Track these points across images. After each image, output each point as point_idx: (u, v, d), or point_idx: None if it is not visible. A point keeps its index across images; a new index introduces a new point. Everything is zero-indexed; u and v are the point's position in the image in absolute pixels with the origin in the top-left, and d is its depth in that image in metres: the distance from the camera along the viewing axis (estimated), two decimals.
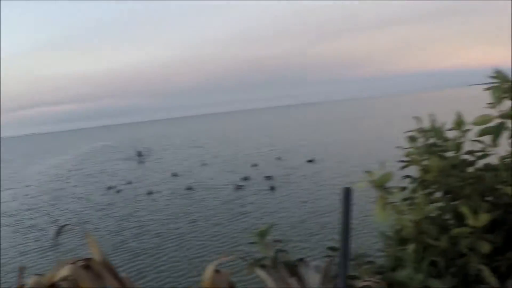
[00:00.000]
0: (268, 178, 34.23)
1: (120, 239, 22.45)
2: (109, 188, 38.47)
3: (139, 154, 58.85)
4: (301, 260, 2.10)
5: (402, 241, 2.07)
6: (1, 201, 39.53)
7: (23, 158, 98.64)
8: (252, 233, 2.20)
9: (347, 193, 1.65)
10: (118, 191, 36.57)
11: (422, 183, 2.04)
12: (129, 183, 40.53)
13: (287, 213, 23.69)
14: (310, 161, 40.72)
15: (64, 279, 1.21)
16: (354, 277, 2.18)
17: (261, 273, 1.96)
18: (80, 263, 1.25)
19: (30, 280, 1.22)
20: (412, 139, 2.17)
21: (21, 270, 1.44)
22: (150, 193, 34.12)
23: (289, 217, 22.84)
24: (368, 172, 1.96)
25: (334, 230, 19.79)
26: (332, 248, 2.22)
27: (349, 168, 34.79)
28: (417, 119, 2.33)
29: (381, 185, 1.93)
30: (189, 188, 33.88)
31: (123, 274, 1.36)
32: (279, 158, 45.26)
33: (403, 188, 2.02)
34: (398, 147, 2.26)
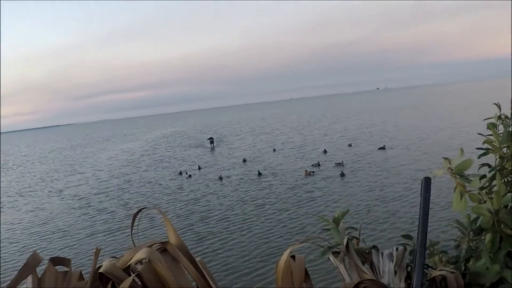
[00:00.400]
0: (339, 164, 33.93)
1: (189, 223, 22.89)
2: (180, 173, 39.12)
3: (211, 141, 58.84)
4: (374, 247, 2.08)
5: (479, 230, 2.01)
6: (73, 185, 40.93)
7: (95, 143, 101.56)
8: (325, 219, 2.19)
9: (427, 183, 1.62)
10: (189, 176, 37.10)
11: (501, 171, 1.97)
12: (200, 168, 41.10)
13: (357, 200, 23.43)
14: (381, 148, 40.00)
15: (140, 262, 1.23)
16: (428, 266, 2.14)
17: (334, 259, 1.95)
18: (156, 246, 1.26)
19: (105, 262, 1.24)
20: (492, 126, 2.09)
21: (97, 252, 1.46)
22: (220, 178, 34.46)
23: (359, 204, 22.58)
24: (446, 159, 1.90)
25: (403, 219, 19.55)
26: (407, 236, 2.19)
27: (421, 156, 34.06)
28: (497, 105, 2.25)
29: (460, 172, 1.87)
30: (259, 174, 33.96)
31: (198, 258, 1.37)
32: (350, 145, 44.70)
33: (482, 176, 1.95)
34: (479, 134, 2.18)
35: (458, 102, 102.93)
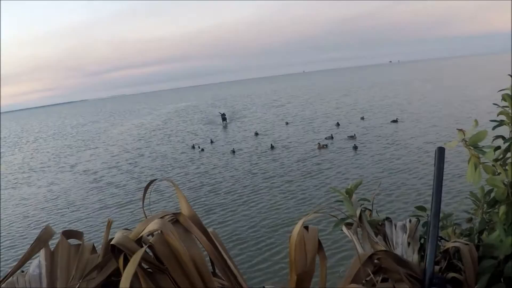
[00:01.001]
0: (351, 137, 33.88)
1: (201, 195, 23.11)
2: (193, 147, 39.28)
3: (223, 118, 56.44)
4: (387, 219, 2.07)
5: (493, 203, 2.00)
6: (85, 160, 41.30)
7: (108, 119, 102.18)
8: (338, 190, 2.18)
9: (441, 153, 1.62)
10: (202, 150, 37.25)
11: None
12: (212, 142, 41.24)
13: (369, 173, 23.43)
14: (394, 121, 39.72)
15: (152, 233, 1.22)
16: (441, 238, 2.13)
17: (347, 231, 1.94)
18: (168, 217, 1.26)
19: (117, 234, 1.23)
20: (508, 97, 2.05)
21: (109, 223, 1.46)
22: (233, 151, 34.64)
23: (372, 177, 22.58)
24: (460, 130, 1.87)
25: (415, 191, 19.55)
26: (420, 208, 2.18)
27: (432, 129, 33.91)
28: None
29: (474, 143, 1.84)
30: (272, 147, 34.06)
31: (210, 229, 1.37)
32: (362, 118, 44.50)
33: (497, 148, 1.92)
34: (494, 104, 2.14)
35: (471, 75, 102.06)
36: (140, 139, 51.53)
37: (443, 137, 29.59)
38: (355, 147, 29.99)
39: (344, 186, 2.20)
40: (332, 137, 34.95)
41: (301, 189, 21.95)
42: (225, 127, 52.38)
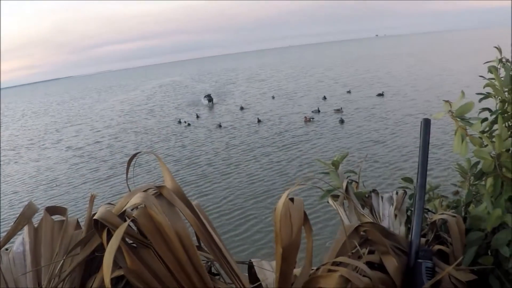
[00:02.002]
0: (338, 111, 34.06)
1: (187, 169, 23.19)
2: (179, 122, 39.19)
3: (209, 99, 51.56)
4: (373, 191, 2.07)
5: (480, 175, 1.99)
6: (70, 136, 41.14)
7: (93, 95, 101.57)
8: (324, 162, 2.17)
9: (426, 125, 1.63)
10: (188, 125, 37.23)
11: (502, 114, 1.94)
12: (198, 117, 41.17)
13: (356, 146, 23.58)
14: (380, 94, 39.94)
15: (136, 207, 1.21)
16: (428, 211, 2.13)
17: (333, 203, 1.93)
18: (152, 191, 1.24)
19: (100, 208, 1.22)
20: (494, 69, 2.04)
21: (92, 198, 1.45)
22: (219, 126, 34.65)
23: (359, 149, 22.73)
24: (446, 101, 1.87)
25: (401, 164, 19.70)
26: (407, 180, 2.17)
27: (417, 102, 34.15)
28: (498, 49, 2.20)
29: (461, 115, 1.84)
30: (259, 121, 34.19)
31: (194, 202, 1.35)
32: (349, 92, 44.72)
33: (483, 120, 1.92)
34: (480, 76, 2.14)
35: (455, 49, 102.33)
36: (125, 115, 51.41)
37: (426, 109, 29.78)
38: (342, 121, 30.13)
39: (330, 158, 2.19)
40: (319, 111, 35.10)
41: (287, 162, 22.12)
42: (211, 108, 49.00)
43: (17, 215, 1.45)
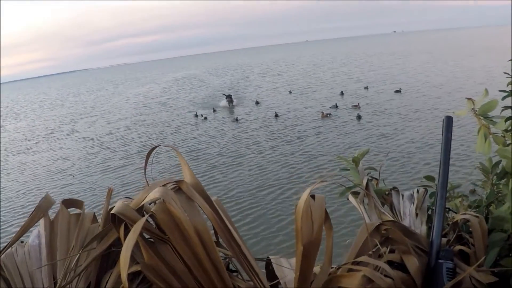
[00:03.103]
0: (355, 107, 33.96)
1: (205, 163, 23.22)
2: (196, 115, 39.27)
3: (229, 100, 45.03)
4: (394, 188, 2.04)
5: (502, 174, 1.96)
6: (86, 127, 41.47)
7: (108, 88, 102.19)
8: (344, 159, 2.15)
9: (448, 122, 1.60)
10: (205, 118, 37.30)
11: None
12: (215, 111, 41.23)
13: (374, 142, 23.46)
14: (397, 91, 39.79)
15: (154, 202, 1.20)
16: (449, 210, 2.10)
17: (353, 200, 1.91)
18: (171, 186, 1.23)
19: (118, 203, 1.22)
20: None
21: (109, 192, 1.45)
22: (236, 120, 34.73)
23: (377, 146, 22.61)
24: (469, 99, 1.83)
25: (421, 161, 19.58)
26: (429, 178, 2.15)
27: (436, 100, 33.88)
28: None
29: (484, 113, 1.80)
30: (276, 116, 34.23)
31: (214, 197, 1.34)
32: (366, 88, 44.61)
33: (508, 118, 1.88)
34: (505, 73, 2.10)
35: (473, 47, 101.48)
36: (143, 106, 51.80)
37: (452, 106, 29.55)
38: (359, 117, 30.00)
39: (347, 155, 2.17)
40: (336, 106, 35.00)
41: (305, 158, 22.05)
42: (232, 109, 42.85)
43: (34, 208, 1.45)
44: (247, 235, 13.92)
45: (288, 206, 15.96)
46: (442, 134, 1.59)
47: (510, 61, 2.14)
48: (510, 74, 2.05)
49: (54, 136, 39.01)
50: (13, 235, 1.39)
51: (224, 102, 45.32)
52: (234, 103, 44.93)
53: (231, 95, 46.62)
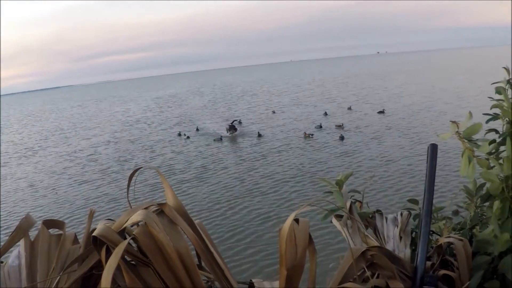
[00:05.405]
0: (339, 127, 34.22)
1: (187, 185, 23.02)
2: (179, 134, 39.23)
3: (230, 128, 36.95)
4: (377, 211, 2.05)
5: (486, 197, 1.97)
6: (66, 145, 41.57)
7: (92, 105, 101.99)
8: (327, 181, 2.15)
9: (433, 150, 1.61)
10: (188, 137, 37.29)
11: (511, 136, 1.91)
12: (198, 130, 41.12)
13: (357, 164, 23.50)
14: (380, 112, 40.17)
15: (136, 224, 1.19)
16: (433, 232, 2.11)
17: (336, 223, 1.91)
18: (153, 208, 1.22)
19: (99, 225, 1.21)
20: (503, 90, 2.03)
21: (91, 213, 1.44)
22: (220, 139, 34.71)
23: (360, 168, 22.64)
24: (454, 122, 1.84)
25: (405, 184, 19.62)
26: (412, 201, 2.15)
27: (420, 122, 34.14)
28: (506, 70, 2.19)
29: (468, 136, 1.81)
30: (259, 135, 34.26)
31: (196, 220, 1.33)
32: (350, 108, 44.96)
33: (492, 141, 1.90)
34: (489, 97, 2.12)
35: (459, 67, 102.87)
36: (126, 124, 51.84)
37: (436, 128, 29.76)
38: (342, 137, 30.06)
39: (328, 176, 2.17)
40: (321, 126, 35.15)
41: (287, 180, 21.95)
42: (234, 137, 35.96)
43: (14, 228, 1.43)
44: (230, 258, 13.82)
45: (271, 228, 15.89)
46: (427, 162, 1.60)
47: (493, 84, 2.16)
48: (494, 98, 2.07)
49: (32, 155, 38.52)
50: None
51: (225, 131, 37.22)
52: (238, 131, 37.16)
53: (234, 124, 38.18)
